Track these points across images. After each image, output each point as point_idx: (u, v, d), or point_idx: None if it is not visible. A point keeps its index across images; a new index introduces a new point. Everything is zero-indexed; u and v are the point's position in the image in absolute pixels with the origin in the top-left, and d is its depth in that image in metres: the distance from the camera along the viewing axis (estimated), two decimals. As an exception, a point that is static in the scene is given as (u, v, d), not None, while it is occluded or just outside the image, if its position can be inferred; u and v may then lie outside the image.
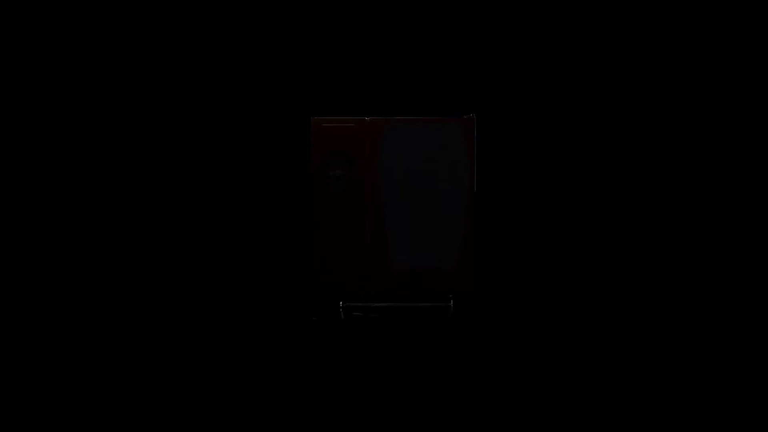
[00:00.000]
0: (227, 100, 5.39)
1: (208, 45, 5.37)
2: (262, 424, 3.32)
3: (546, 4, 5.29)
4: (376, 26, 5.34)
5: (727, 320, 4.96)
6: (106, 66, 5.34)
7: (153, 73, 5.38)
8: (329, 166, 4.78)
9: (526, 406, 3.54)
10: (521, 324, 4.83)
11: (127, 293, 5.30)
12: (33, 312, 5.07)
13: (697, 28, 5.33)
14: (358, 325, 4.65)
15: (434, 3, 5.32)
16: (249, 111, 5.39)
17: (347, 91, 5.34)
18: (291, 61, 5.40)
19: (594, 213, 5.40)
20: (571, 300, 5.30)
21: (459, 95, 5.36)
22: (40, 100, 5.31)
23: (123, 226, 5.37)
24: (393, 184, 4.94)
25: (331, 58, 5.37)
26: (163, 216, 5.38)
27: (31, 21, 5.27)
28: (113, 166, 5.38)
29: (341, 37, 5.37)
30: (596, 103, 5.41)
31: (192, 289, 5.32)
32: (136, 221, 5.38)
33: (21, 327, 4.81)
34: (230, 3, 5.30)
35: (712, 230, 5.36)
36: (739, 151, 5.33)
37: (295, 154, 5.27)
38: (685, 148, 5.42)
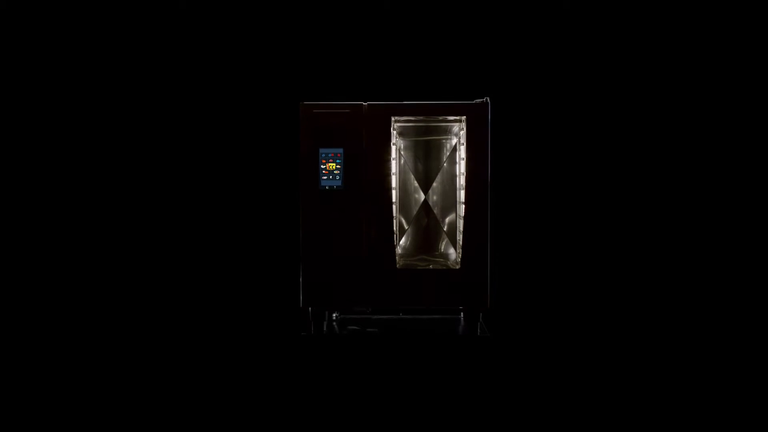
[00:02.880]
0: (200, 83, 5.29)
1: (175, 22, 5.29)
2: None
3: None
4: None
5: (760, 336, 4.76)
6: (76, 48, 5.28)
7: (120, 57, 5.30)
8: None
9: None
10: (543, 342, 4.72)
11: (95, 301, 5.19)
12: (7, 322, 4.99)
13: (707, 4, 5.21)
14: (354, 340, 4.50)
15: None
16: (228, 96, 5.31)
17: (342, 72, 5.29)
18: (276, 38, 5.32)
19: (629, 208, 5.28)
20: (604, 311, 5.14)
21: (470, 76, 5.29)
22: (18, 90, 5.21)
23: (84, 224, 5.26)
24: (395, 177, 4.70)
25: (323, 33, 5.30)
26: (133, 214, 5.29)
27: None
28: (75, 158, 5.28)
29: (335, 9, 5.28)
30: (632, 82, 5.29)
31: (161, 299, 5.22)
32: (102, 219, 5.27)
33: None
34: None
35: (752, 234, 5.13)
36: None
37: (281, 145, 5.17)
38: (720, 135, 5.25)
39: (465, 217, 4.56)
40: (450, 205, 4.90)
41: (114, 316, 5.08)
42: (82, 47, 5.25)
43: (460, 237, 4.68)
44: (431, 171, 4.94)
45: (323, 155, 4.56)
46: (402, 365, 4.23)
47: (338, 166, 4.55)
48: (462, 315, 4.75)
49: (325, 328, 4.61)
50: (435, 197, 4.95)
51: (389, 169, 4.59)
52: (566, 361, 4.36)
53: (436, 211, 4.93)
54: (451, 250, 4.88)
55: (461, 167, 4.70)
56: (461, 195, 4.68)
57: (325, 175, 4.55)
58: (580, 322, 5.06)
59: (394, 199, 4.62)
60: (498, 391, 3.94)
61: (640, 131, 5.28)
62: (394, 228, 4.60)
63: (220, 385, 3.94)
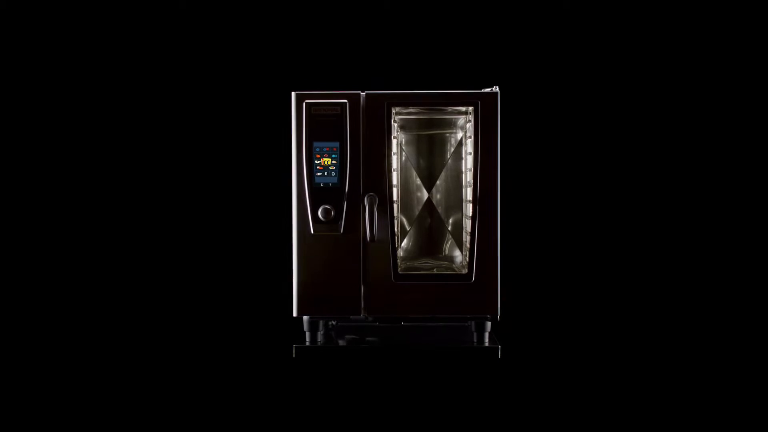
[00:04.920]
0: (181, 70, 5.22)
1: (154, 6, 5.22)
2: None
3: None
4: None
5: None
6: (57, 38, 5.19)
7: (97, 44, 5.22)
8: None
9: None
10: (558, 353, 4.68)
11: (59, 309, 5.09)
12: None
13: None
14: (352, 351, 4.42)
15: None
16: (212, 84, 5.26)
17: (338, 58, 5.25)
18: (266, 21, 5.26)
19: (652, 207, 5.20)
20: (627, 321, 5.06)
21: (476, 66, 5.22)
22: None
23: (46, 223, 5.16)
24: (396, 174, 4.59)
25: (318, 16, 5.24)
26: (109, 213, 5.21)
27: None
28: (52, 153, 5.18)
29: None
30: (658, 73, 5.20)
31: (136, 306, 5.15)
32: (72, 216, 5.18)
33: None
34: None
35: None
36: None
37: (270, 138, 5.08)
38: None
39: (472, 217, 4.42)
40: (455, 203, 4.81)
41: (82, 326, 5.02)
42: (61, 37, 5.19)
43: (466, 238, 4.53)
44: (435, 167, 4.86)
45: (318, 149, 4.45)
46: (405, 378, 4.16)
47: (334, 162, 4.44)
48: (469, 323, 4.60)
49: (320, 339, 4.51)
50: (439, 195, 4.87)
51: (390, 165, 4.46)
52: (583, 374, 4.27)
53: (440, 210, 4.85)
54: (457, 252, 4.78)
55: (468, 163, 4.56)
56: (468, 193, 4.53)
57: (319, 171, 4.44)
58: (599, 332, 5.00)
59: (395, 198, 4.49)
60: (508, 408, 3.86)
61: (666, 126, 5.20)
62: (396, 229, 4.47)
63: (206, 402, 3.88)
